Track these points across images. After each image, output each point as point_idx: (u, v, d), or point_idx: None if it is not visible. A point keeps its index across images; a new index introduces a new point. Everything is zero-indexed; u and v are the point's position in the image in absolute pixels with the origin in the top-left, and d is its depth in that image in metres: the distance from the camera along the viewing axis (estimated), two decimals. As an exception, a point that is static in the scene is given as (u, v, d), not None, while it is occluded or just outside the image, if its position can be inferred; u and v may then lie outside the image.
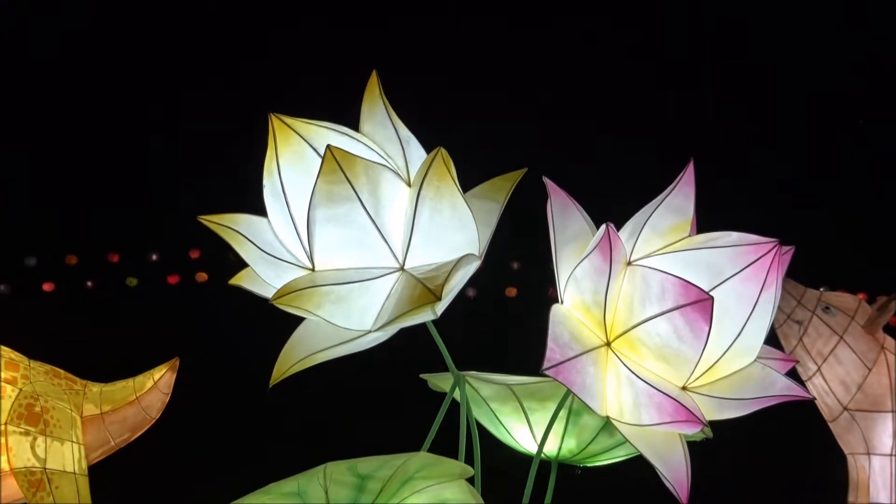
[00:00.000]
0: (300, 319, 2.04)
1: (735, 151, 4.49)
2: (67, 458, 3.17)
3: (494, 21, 4.69)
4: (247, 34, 4.62)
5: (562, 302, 1.99)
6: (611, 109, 4.60)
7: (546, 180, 2.01)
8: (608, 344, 1.94)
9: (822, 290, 3.82)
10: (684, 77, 4.66)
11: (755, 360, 1.95)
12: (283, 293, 1.92)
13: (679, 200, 2.01)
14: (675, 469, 1.88)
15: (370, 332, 1.97)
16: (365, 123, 2.07)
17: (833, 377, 3.68)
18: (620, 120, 4.57)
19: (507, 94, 4.63)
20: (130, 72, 4.58)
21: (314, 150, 1.95)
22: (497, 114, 4.58)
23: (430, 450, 2.10)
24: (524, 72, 4.67)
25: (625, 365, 1.91)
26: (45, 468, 3.11)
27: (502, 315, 4.75)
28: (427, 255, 1.95)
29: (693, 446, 1.97)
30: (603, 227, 1.91)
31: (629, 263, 1.94)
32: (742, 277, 1.89)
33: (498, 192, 2.08)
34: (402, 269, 1.95)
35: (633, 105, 4.60)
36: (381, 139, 2.06)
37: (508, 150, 4.35)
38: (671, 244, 1.98)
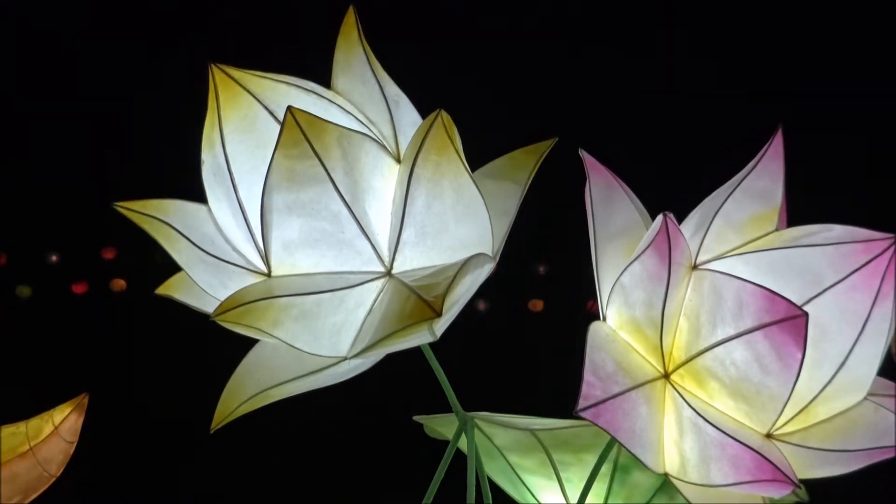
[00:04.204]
0: (252, 342, 2.04)
1: (827, 122, 4.49)
2: (-64, 529, 3.17)
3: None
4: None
5: (604, 319, 1.99)
6: (669, 71, 4.60)
7: (583, 154, 2.02)
8: (666, 376, 1.94)
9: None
10: (763, 37, 4.67)
11: (866, 398, 1.95)
12: (228, 307, 1.92)
13: (763, 182, 2.01)
14: (756, 544, 1.89)
15: (346, 359, 1.97)
16: (339, 78, 2.08)
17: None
18: (683, 83, 4.57)
19: (530, 44, 4.63)
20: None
21: (271, 113, 1.96)
22: (518, 67, 4.59)
23: (428, 517, 2.11)
24: (553, 15, 4.68)
25: (689, 404, 1.91)
26: None
27: (523, 336, 4.76)
28: (423, 255, 1.96)
29: (781, 514, 1.97)
30: (660, 217, 1.91)
31: (695, 267, 1.95)
32: (848, 286, 1.89)
33: (519, 169, 2.09)
34: (389, 274, 1.95)
35: (698, 66, 4.61)
36: (361, 99, 2.06)
37: (532, 116, 4.35)
38: (751, 241, 1.99)
